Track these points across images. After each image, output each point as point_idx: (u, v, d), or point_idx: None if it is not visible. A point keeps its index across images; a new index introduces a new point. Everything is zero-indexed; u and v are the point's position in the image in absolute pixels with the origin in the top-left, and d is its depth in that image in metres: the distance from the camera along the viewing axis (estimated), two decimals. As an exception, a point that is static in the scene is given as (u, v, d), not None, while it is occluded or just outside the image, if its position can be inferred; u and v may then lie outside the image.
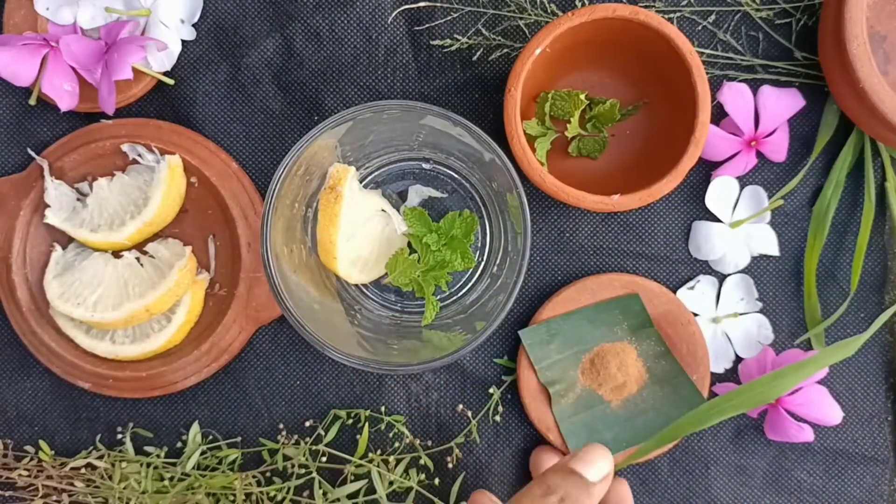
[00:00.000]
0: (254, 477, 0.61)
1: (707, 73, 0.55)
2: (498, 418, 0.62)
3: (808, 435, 0.58)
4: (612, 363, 0.59)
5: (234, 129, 0.61)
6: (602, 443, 0.52)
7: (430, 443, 0.62)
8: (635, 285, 0.60)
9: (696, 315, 0.61)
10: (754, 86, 0.60)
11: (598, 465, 0.48)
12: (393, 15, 0.61)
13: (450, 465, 0.61)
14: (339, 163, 0.54)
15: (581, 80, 0.60)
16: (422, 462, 0.61)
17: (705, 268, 0.62)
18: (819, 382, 0.58)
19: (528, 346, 0.59)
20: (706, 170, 0.61)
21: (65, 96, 0.58)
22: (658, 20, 0.54)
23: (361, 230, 0.56)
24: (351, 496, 0.60)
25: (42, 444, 0.62)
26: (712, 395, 0.61)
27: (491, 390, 0.62)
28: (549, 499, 0.46)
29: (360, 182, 0.58)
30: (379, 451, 0.61)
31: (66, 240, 0.60)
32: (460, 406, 0.62)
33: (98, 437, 0.62)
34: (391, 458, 0.61)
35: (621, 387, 0.59)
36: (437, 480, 0.61)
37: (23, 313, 0.60)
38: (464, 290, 0.59)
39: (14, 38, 0.57)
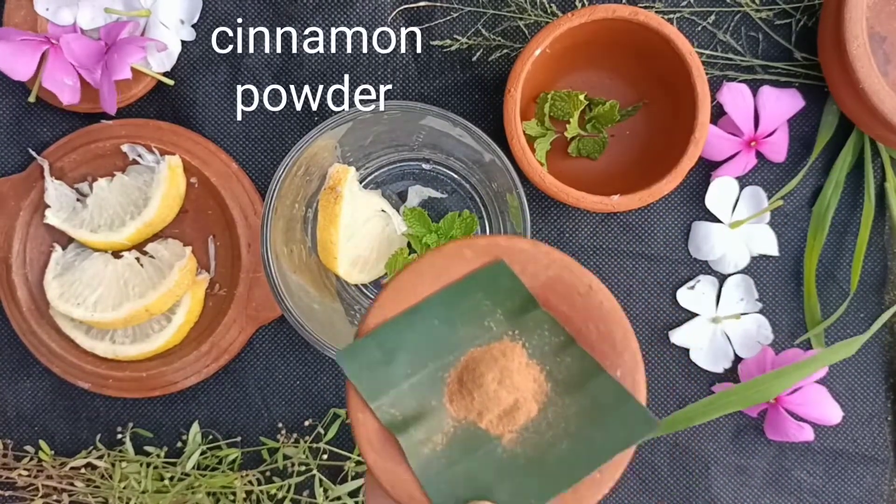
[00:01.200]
0: (254, 476, 0.61)
1: (707, 74, 0.55)
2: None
3: (808, 434, 0.58)
4: (488, 376, 0.37)
5: (234, 130, 0.61)
6: None
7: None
8: (496, 248, 0.39)
9: (696, 315, 0.61)
10: (754, 86, 0.60)
11: None
12: (393, 15, 0.61)
13: None
14: (339, 163, 0.54)
15: (581, 81, 0.60)
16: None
17: (705, 268, 0.62)
18: (819, 382, 0.58)
19: (354, 376, 0.37)
20: (706, 170, 0.61)
21: (66, 90, 0.58)
22: (658, 21, 0.54)
23: (361, 230, 0.56)
24: (352, 494, 0.60)
25: (42, 443, 0.62)
26: (684, 395, 0.61)
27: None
28: None
29: (360, 182, 0.58)
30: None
31: (66, 240, 0.60)
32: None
33: (98, 436, 0.62)
34: None
35: (511, 410, 0.38)
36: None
37: (23, 313, 0.60)
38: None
39: (13, 32, 0.57)
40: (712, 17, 0.61)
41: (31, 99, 0.59)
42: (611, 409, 0.37)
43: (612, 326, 0.38)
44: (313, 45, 0.61)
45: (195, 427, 0.62)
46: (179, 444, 0.62)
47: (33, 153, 0.61)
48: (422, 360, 0.38)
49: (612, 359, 0.38)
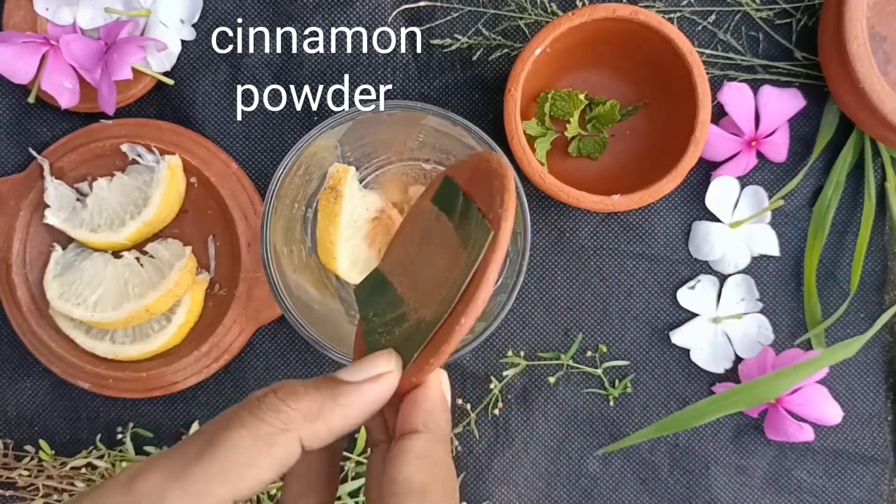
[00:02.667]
0: None
1: (707, 74, 0.55)
2: (497, 412, 0.62)
3: (808, 434, 0.58)
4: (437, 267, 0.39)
5: (234, 130, 0.61)
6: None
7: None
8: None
9: (696, 315, 0.62)
10: (754, 86, 0.60)
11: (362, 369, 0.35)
12: (393, 15, 0.61)
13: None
14: (339, 163, 0.54)
15: (581, 81, 0.60)
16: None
17: (705, 268, 0.62)
18: (819, 382, 0.58)
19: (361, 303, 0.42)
20: (706, 170, 0.61)
21: (65, 93, 0.58)
22: (658, 20, 0.54)
23: (361, 230, 0.55)
24: (352, 494, 0.60)
25: (42, 443, 0.62)
26: (686, 394, 0.61)
27: (492, 385, 0.62)
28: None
29: (360, 182, 0.58)
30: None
31: (65, 240, 0.60)
32: (459, 400, 0.62)
33: (98, 436, 0.62)
34: None
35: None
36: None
37: (23, 313, 0.60)
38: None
39: (13, 35, 0.57)
40: (713, 17, 0.61)
41: (31, 100, 0.59)
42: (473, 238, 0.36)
43: (495, 183, 0.37)
44: (313, 44, 0.61)
45: (195, 427, 0.62)
46: (179, 444, 0.62)
47: (33, 153, 0.61)
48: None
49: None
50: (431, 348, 0.34)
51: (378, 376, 0.34)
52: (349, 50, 0.61)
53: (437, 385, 0.35)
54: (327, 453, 0.35)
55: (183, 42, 0.60)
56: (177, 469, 0.30)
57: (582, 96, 0.58)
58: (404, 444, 0.33)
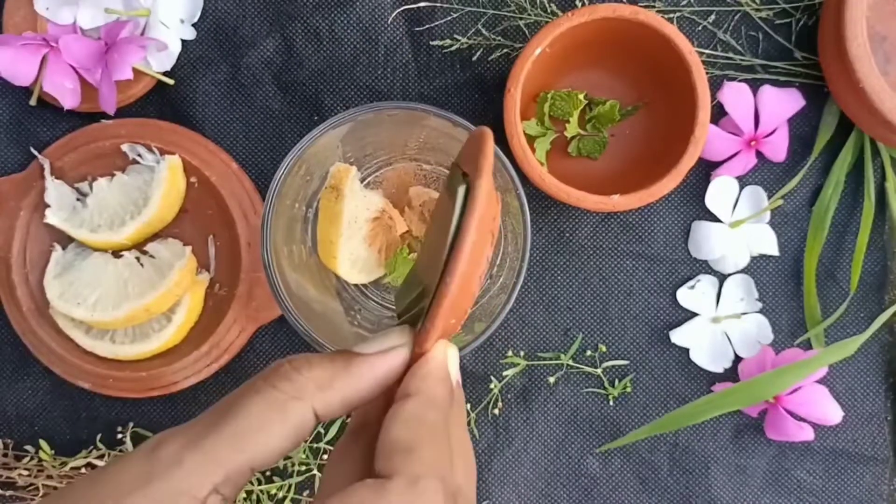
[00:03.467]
0: (254, 476, 0.61)
1: (707, 73, 0.55)
2: (497, 412, 0.62)
3: (807, 434, 0.58)
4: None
5: (234, 130, 0.61)
6: None
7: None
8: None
9: (696, 315, 0.62)
10: (754, 86, 0.60)
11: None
12: (393, 15, 0.61)
13: None
14: (340, 162, 0.54)
15: (581, 81, 0.60)
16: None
17: (705, 268, 0.62)
18: (819, 382, 0.58)
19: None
20: (706, 170, 0.61)
21: (67, 94, 0.58)
22: (658, 20, 0.54)
23: (362, 230, 0.56)
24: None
25: (42, 443, 0.62)
26: (685, 393, 0.61)
27: (491, 385, 0.62)
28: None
29: (361, 182, 0.58)
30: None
31: (66, 240, 0.60)
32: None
33: (98, 436, 0.62)
34: None
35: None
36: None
37: (23, 313, 0.60)
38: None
39: (14, 38, 0.57)
40: (712, 17, 0.61)
41: (33, 102, 0.59)
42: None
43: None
44: (313, 44, 0.61)
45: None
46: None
47: (34, 152, 0.61)
48: None
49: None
50: (429, 316, 0.35)
51: (390, 349, 0.35)
52: (349, 50, 0.61)
53: (438, 355, 0.35)
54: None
55: (183, 42, 0.60)
56: (194, 436, 0.31)
57: (581, 96, 0.58)
58: (395, 407, 0.33)
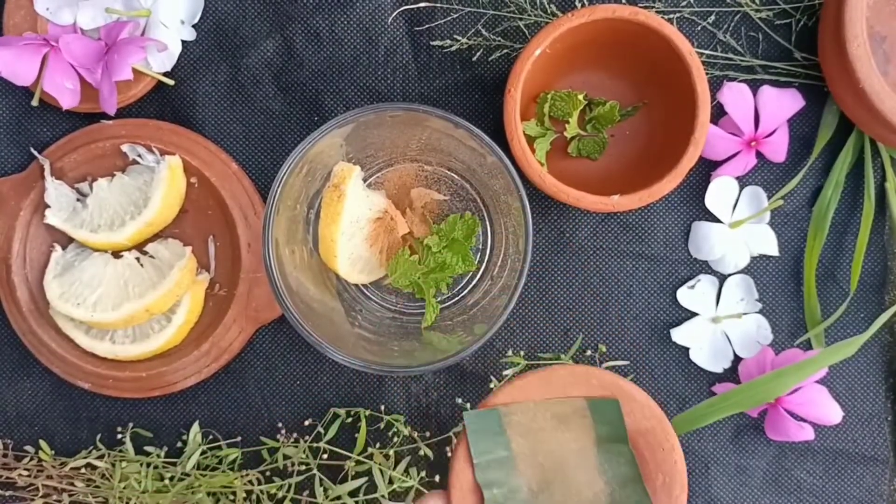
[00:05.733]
0: (254, 475, 0.61)
1: (707, 74, 0.55)
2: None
3: (808, 434, 0.58)
4: (571, 482, 0.47)
5: (234, 130, 0.61)
6: None
7: (428, 434, 0.62)
8: (617, 389, 0.48)
9: (696, 315, 0.62)
10: (754, 86, 0.60)
11: None
12: (393, 15, 0.61)
13: (448, 454, 0.61)
14: (343, 162, 0.55)
15: (581, 81, 0.60)
16: (421, 453, 0.61)
17: (705, 268, 0.62)
18: (819, 382, 0.58)
19: (472, 434, 0.47)
20: (706, 170, 0.61)
21: (66, 94, 0.58)
22: (658, 21, 0.54)
23: (363, 230, 0.56)
24: (352, 493, 0.60)
25: (42, 443, 0.62)
26: (686, 395, 0.61)
27: (491, 385, 0.62)
28: None
29: (364, 182, 0.58)
30: (378, 445, 0.61)
31: (66, 240, 0.60)
32: (459, 399, 0.62)
33: (98, 436, 0.62)
34: (391, 452, 0.61)
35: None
36: (437, 478, 0.61)
37: (23, 313, 0.60)
38: (465, 293, 0.59)
39: (14, 39, 0.57)
40: (712, 17, 0.61)
41: (34, 103, 0.59)
42: None
43: (674, 483, 0.47)
44: (313, 45, 0.61)
45: (195, 427, 0.62)
46: (179, 445, 0.62)
47: (34, 152, 0.61)
48: (524, 443, 0.48)
49: (662, 501, 0.47)
50: None
51: None
52: (349, 50, 0.61)
53: None
54: None
55: (183, 42, 0.60)
56: None
57: (581, 97, 0.58)
58: None
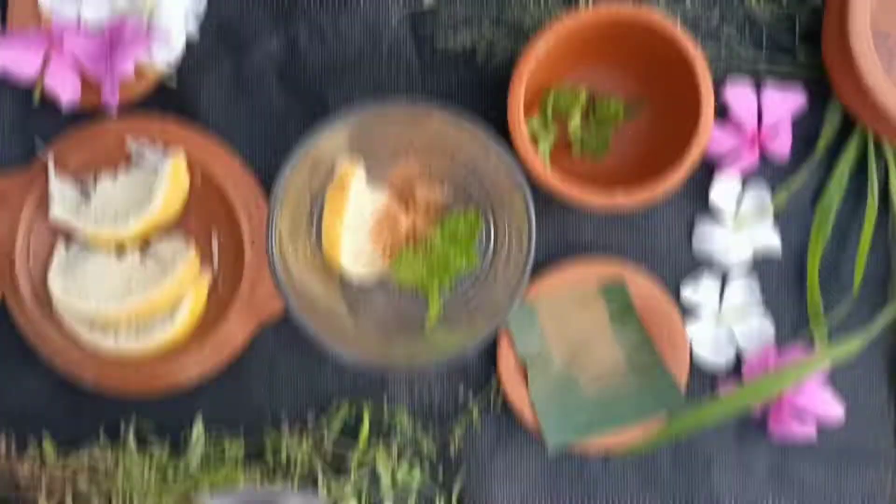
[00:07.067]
0: (258, 470, 0.61)
1: (710, 72, 0.55)
2: (501, 401, 0.62)
3: (810, 432, 0.58)
4: (594, 351, 0.60)
5: (238, 127, 0.61)
6: (575, 426, 0.59)
7: (430, 428, 0.62)
8: (624, 273, 0.60)
9: (699, 313, 0.62)
10: (757, 84, 0.60)
11: None
12: (397, 14, 0.61)
13: (451, 449, 0.61)
14: (347, 159, 0.55)
15: (584, 79, 0.60)
16: (424, 450, 0.61)
17: (709, 266, 0.62)
18: (822, 380, 0.58)
19: (512, 325, 0.60)
20: (709, 168, 0.61)
21: (68, 90, 0.58)
22: (660, 19, 0.54)
23: (366, 226, 0.56)
24: (354, 488, 0.60)
25: (45, 439, 0.62)
26: (690, 393, 0.61)
27: (493, 382, 0.62)
28: None
29: (367, 178, 0.58)
30: (381, 437, 0.61)
31: (69, 237, 0.60)
32: (461, 388, 0.62)
33: (101, 431, 0.62)
34: (394, 445, 0.61)
35: (598, 374, 0.60)
36: (440, 472, 0.61)
37: (26, 309, 0.60)
38: (468, 290, 0.59)
39: (16, 34, 0.57)
40: (715, 15, 0.61)
41: (36, 98, 0.59)
42: (661, 393, 0.60)
43: (676, 333, 0.60)
44: (317, 43, 0.61)
45: (199, 422, 0.62)
46: (183, 440, 0.62)
47: (38, 148, 0.61)
48: (553, 327, 0.61)
49: (669, 354, 0.60)
50: None
51: None
52: (353, 49, 0.61)
53: None
54: None
55: (187, 38, 0.60)
56: None
57: (584, 95, 0.58)
58: None
